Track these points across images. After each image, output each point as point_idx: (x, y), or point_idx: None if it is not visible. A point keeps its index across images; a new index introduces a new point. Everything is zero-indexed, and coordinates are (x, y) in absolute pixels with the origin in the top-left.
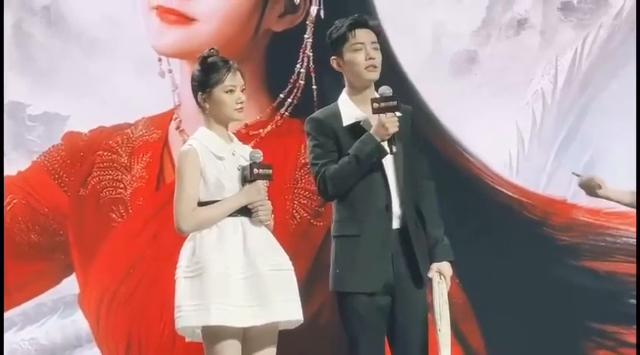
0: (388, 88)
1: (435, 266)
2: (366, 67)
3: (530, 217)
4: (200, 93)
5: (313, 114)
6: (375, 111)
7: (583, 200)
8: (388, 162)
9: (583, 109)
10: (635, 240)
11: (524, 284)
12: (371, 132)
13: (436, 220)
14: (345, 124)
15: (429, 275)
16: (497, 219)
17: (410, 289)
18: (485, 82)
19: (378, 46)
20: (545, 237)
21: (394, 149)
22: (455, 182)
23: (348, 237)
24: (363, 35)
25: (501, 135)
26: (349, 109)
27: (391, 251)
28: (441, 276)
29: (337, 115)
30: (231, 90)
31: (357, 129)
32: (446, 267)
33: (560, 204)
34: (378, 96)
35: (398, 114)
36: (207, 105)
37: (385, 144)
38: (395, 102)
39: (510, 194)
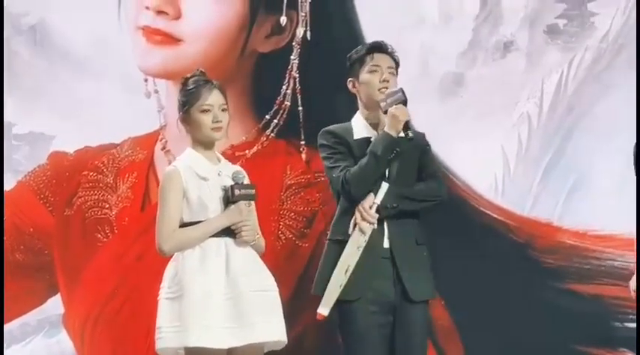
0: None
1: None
2: (380, 89)
3: (515, 240)
4: (180, 113)
5: (326, 128)
6: (384, 108)
7: (568, 223)
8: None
9: (569, 132)
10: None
11: (509, 306)
12: (385, 129)
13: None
14: (355, 138)
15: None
16: (483, 241)
17: (408, 309)
18: (472, 104)
19: (394, 71)
20: (531, 259)
21: (410, 134)
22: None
23: (335, 241)
24: (381, 59)
25: (487, 158)
26: (361, 126)
27: (383, 266)
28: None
29: (349, 131)
30: (206, 110)
31: (369, 143)
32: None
33: (546, 227)
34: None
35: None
36: (187, 126)
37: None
38: (400, 93)
39: (496, 216)
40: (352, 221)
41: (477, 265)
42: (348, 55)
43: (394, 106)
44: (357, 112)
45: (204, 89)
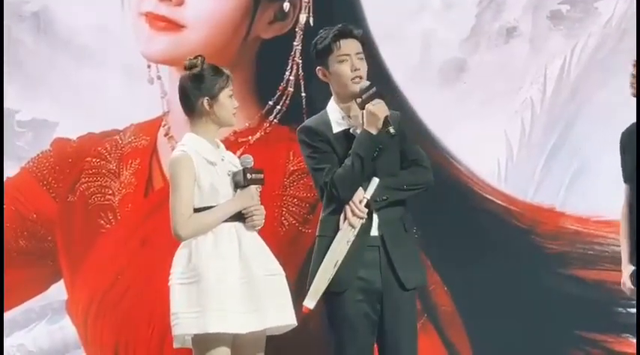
0: (366, 81)
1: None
2: (352, 79)
3: (518, 225)
4: (207, 97)
5: (304, 123)
6: (361, 105)
7: (571, 208)
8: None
9: (572, 118)
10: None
11: (513, 292)
12: (364, 127)
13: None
14: (335, 131)
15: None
16: (486, 227)
17: (396, 296)
18: (474, 90)
19: (363, 55)
20: (534, 245)
21: (392, 130)
22: (443, 190)
23: (326, 237)
24: (348, 46)
25: (490, 144)
26: (338, 117)
27: (369, 255)
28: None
29: (327, 123)
30: (231, 96)
31: (348, 136)
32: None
33: (549, 213)
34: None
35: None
36: (214, 110)
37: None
38: (374, 89)
39: (499, 202)
40: (342, 215)
41: (480, 251)
42: (313, 42)
43: (371, 103)
44: (331, 100)
45: (227, 74)
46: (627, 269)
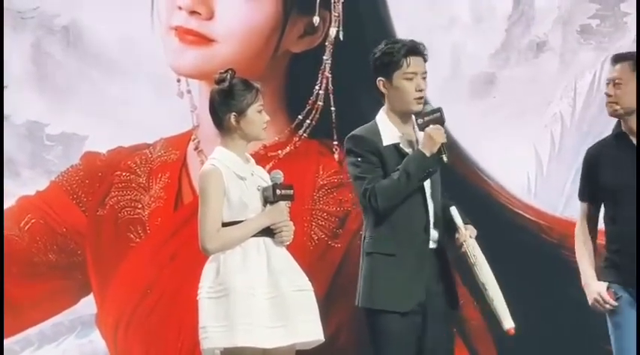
0: (430, 105)
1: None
2: (415, 98)
3: (547, 240)
4: (234, 113)
5: (354, 132)
6: (421, 127)
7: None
8: (427, 185)
9: (602, 132)
10: None
11: (541, 306)
12: (419, 147)
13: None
14: (385, 144)
15: (462, 239)
16: (515, 242)
17: (441, 306)
18: (504, 104)
19: (426, 75)
20: (563, 259)
21: (445, 158)
22: (473, 204)
23: (383, 255)
24: (417, 64)
25: (520, 158)
26: (388, 129)
27: (426, 271)
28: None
29: (377, 134)
30: (261, 111)
31: (398, 150)
32: (471, 228)
33: None
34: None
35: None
36: (241, 126)
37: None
38: (438, 114)
39: (528, 216)
40: (458, 243)
41: (509, 265)
42: (379, 52)
43: (432, 127)
44: (382, 111)
45: (256, 89)
46: (597, 286)
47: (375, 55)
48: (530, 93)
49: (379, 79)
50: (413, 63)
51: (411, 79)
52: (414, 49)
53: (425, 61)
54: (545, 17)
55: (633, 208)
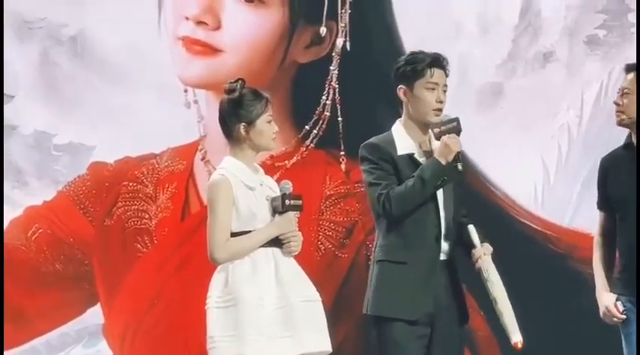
0: (446, 115)
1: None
2: (434, 109)
3: (555, 250)
4: (244, 123)
5: (368, 140)
6: (437, 136)
7: None
8: (440, 196)
9: (609, 143)
10: None
11: (549, 317)
12: (435, 155)
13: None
14: (399, 153)
15: (478, 256)
16: (522, 252)
17: (451, 321)
18: (511, 114)
19: (447, 89)
20: (570, 270)
21: (460, 166)
22: (480, 215)
23: (394, 263)
24: (439, 76)
25: (527, 168)
26: (403, 139)
27: (436, 282)
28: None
29: (392, 143)
30: (270, 121)
31: (412, 159)
32: (487, 246)
33: (586, 238)
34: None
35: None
36: (250, 136)
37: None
38: (455, 123)
39: (535, 227)
40: (474, 258)
41: (517, 276)
42: (403, 61)
43: (448, 135)
44: (399, 122)
45: (266, 99)
46: (608, 297)
47: (398, 64)
48: (537, 104)
49: (400, 86)
50: (436, 74)
51: (432, 90)
52: (438, 61)
53: (447, 75)
54: (552, 27)
55: (634, 219)
